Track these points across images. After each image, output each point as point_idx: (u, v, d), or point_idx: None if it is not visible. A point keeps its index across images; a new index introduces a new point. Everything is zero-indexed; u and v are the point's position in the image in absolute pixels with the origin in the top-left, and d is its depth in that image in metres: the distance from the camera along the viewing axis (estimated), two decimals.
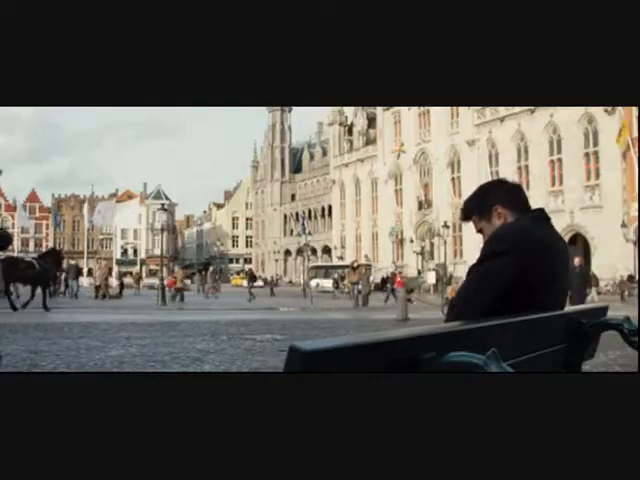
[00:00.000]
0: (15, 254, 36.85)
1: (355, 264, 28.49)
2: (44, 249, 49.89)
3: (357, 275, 26.41)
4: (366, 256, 63.26)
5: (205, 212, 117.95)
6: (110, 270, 35.59)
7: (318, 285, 48.57)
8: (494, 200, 2.32)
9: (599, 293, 34.59)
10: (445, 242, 47.62)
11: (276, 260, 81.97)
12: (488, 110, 50.37)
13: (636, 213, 36.80)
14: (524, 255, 2.06)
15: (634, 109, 31.79)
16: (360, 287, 25.65)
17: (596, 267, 40.60)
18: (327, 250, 73.14)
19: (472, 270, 2.14)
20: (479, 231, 2.38)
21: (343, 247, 67.34)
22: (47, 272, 18.03)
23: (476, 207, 2.38)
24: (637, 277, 30.92)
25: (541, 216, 2.30)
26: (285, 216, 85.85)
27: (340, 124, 73.13)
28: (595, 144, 42.77)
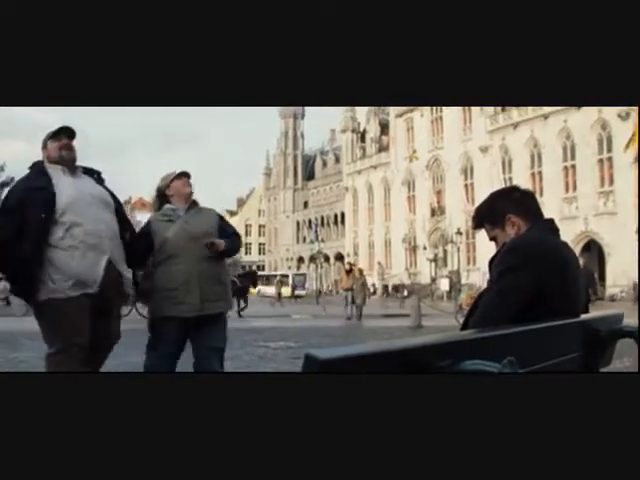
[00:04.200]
0: None
1: (348, 266, 23.86)
2: None
3: (351, 280, 21.49)
4: (379, 263, 63.19)
5: None
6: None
7: (259, 292, 54.71)
8: (507, 208, 2.31)
9: (613, 300, 34.35)
10: (458, 249, 47.53)
11: (289, 267, 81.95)
12: (501, 116, 50.24)
13: None
14: (539, 266, 2.06)
15: None
16: (355, 295, 20.87)
17: (610, 274, 40.42)
18: (340, 257, 73.10)
19: (490, 287, 2.14)
20: (492, 239, 2.37)
21: (356, 254, 67.25)
22: (245, 288, 23.12)
23: (488, 215, 2.38)
24: None
25: (552, 227, 2.30)
26: (298, 223, 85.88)
27: (352, 131, 73.07)
28: (609, 150, 42.54)
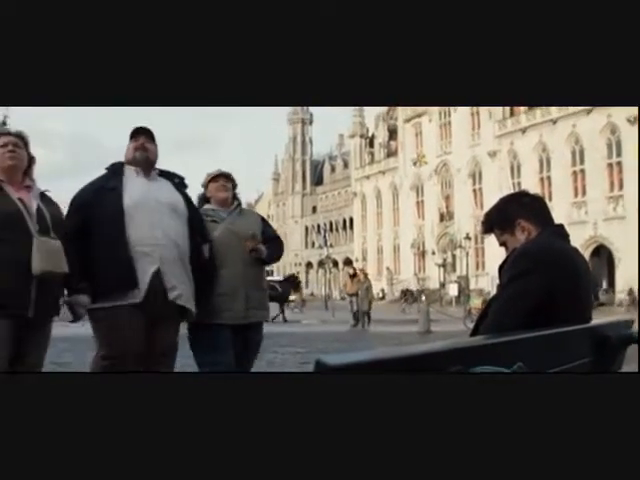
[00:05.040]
0: None
1: (352, 270, 22.47)
2: None
3: (356, 285, 20.10)
4: (388, 268, 63.09)
5: None
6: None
7: None
8: (517, 213, 2.31)
9: (620, 305, 34.19)
10: (467, 254, 47.35)
11: (297, 272, 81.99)
12: (509, 121, 50.13)
13: None
14: (550, 271, 2.06)
15: None
16: (360, 300, 19.74)
17: (621, 279, 40.24)
18: (348, 262, 73.04)
19: (500, 293, 2.13)
20: (502, 244, 2.37)
21: (364, 259, 67.18)
22: (285, 293, 23.48)
23: (498, 220, 2.37)
24: None
25: (562, 232, 2.30)
26: (306, 228, 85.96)
27: (361, 136, 73.00)
28: (618, 154, 42.35)
